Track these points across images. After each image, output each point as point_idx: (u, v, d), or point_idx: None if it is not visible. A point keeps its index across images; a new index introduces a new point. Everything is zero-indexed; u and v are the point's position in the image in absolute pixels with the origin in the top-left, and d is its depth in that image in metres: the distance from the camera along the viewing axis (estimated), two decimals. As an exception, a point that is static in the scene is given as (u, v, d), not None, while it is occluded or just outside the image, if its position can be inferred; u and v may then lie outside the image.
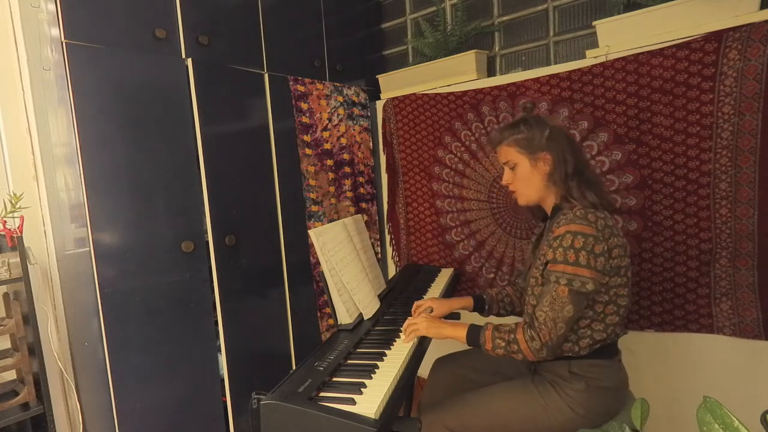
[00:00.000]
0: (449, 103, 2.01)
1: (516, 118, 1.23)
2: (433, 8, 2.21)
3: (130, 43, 1.40)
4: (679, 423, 1.58)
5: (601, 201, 1.12)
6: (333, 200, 2.05)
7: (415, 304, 1.44)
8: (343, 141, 2.10)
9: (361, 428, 0.85)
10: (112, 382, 1.36)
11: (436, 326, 1.22)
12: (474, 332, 1.15)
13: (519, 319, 1.11)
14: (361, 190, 2.22)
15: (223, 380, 1.61)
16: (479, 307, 1.44)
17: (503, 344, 1.09)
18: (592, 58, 1.60)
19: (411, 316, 1.41)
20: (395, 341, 1.26)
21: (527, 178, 1.18)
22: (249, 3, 1.74)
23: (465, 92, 1.95)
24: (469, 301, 1.44)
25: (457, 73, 2.00)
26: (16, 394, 1.23)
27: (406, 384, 1.09)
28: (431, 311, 1.39)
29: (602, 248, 1.03)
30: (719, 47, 1.36)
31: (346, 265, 1.42)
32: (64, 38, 1.27)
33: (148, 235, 1.43)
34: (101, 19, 1.34)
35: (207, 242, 1.56)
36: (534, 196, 1.20)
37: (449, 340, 1.23)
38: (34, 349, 1.22)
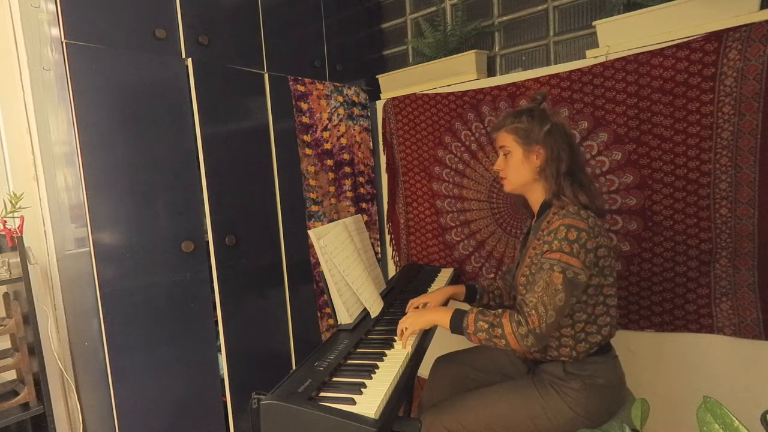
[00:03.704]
0: (449, 103, 2.01)
1: (522, 107, 1.25)
2: (433, 8, 2.21)
3: (130, 43, 1.40)
4: (679, 423, 1.58)
5: (592, 204, 1.13)
6: (333, 200, 2.05)
7: (410, 302, 1.44)
8: (343, 141, 2.10)
9: (361, 428, 0.85)
10: (112, 382, 1.36)
11: (420, 315, 1.22)
12: (458, 317, 1.14)
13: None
14: (361, 190, 2.22)
15: (223, 380, 1.61)
16: (470, 296, 1.46)
17: (486, 326, 1.06)
18: (592, 58, 1.61)
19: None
20: (395, 341, 1.25)
21: (517, 168, 1.20)
22: (249, 3, 1.74)
23: (465, 92, 1.95)
24: (461, 288, 1.46)
25: (457, 73, 2.00)
26: (16, 394, 1.23)
27: (406, 384, 1.09)
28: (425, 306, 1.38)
29: (592, 245, 1.05)
30: (719, 47, 1.36)
31: (350, 265, 1.42)
32: (64, 38, 1.26)
33: (148, 236, 1.43)
34: (101, 19, 1.34)
35: (207, 242, 1.56)
36: (520, 186, 1.23)
37: (450, 340, 1.22)
38: (34, 349, 1.22)
